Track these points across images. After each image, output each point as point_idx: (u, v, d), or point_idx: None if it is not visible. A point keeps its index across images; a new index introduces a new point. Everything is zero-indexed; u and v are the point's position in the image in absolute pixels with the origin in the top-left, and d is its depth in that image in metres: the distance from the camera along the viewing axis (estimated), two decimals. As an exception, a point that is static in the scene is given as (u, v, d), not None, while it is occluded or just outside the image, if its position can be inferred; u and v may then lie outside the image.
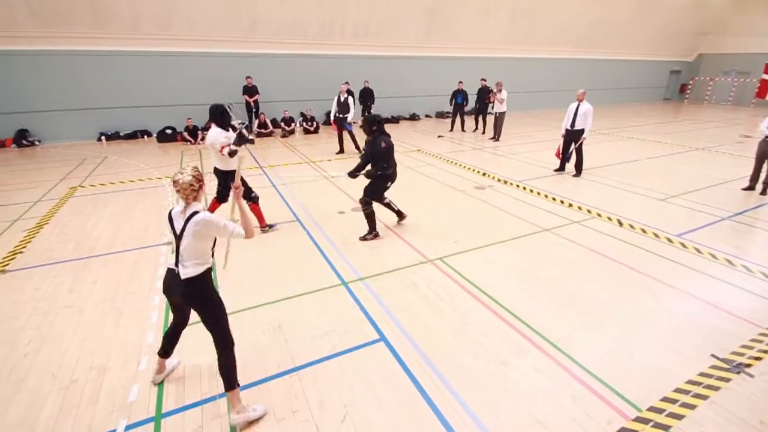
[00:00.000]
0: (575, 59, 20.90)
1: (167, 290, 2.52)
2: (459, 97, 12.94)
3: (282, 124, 12.85)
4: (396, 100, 16.33)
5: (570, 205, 6.35)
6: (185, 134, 11.66)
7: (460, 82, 13.06)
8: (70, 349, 3.16)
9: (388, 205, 5.29)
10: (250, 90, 12.76)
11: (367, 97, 13.59)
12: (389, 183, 5.05)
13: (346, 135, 9.91)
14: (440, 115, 17.16)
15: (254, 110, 12.91)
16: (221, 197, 5.28)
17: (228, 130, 4.88)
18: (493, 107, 11.92)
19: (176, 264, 2.41)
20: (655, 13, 20.79)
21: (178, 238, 2.40)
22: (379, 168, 4.83)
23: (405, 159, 9.50)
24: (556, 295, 3.87)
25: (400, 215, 5.46)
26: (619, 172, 8.39)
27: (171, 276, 2.45)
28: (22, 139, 11.55)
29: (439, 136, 12.60)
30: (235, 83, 12.86)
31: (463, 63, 17.20)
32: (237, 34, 12.99)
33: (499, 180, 7.71)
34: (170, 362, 2.92)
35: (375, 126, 4.85)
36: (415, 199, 6.64)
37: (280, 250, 4.82)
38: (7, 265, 4.52)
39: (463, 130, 13.54)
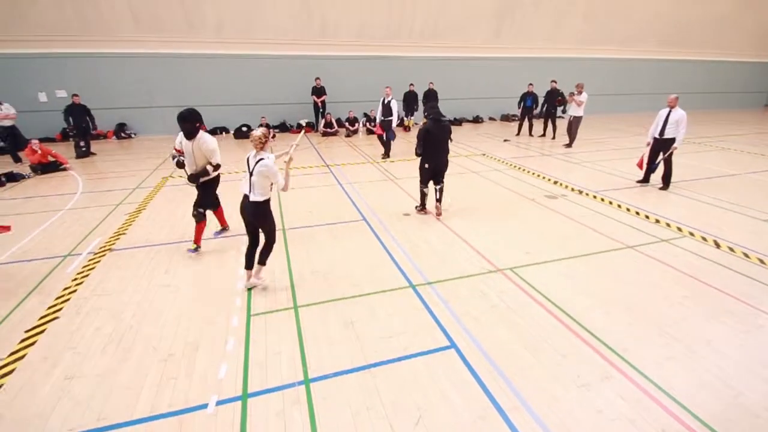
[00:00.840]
0: (660, 60, 19.16)
1: (242, 210, 3.85)
2: (528, 99, 12.43)
3: (346, 124, 13.22)
4: (459, 102, 16.11)
5: (657, 221, 5.83)
6: (258, 131, 12.42)
7: (530, 84, 12.54)
8: (167, 325, 3.51)
9: (423, 193, 6.08)
10: (318, 91, 13.28)
11: (430, 98, 13.53)
12: (426, 165, 5.82)
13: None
14: (505, 118, 16.63)
15: (321, 110, 13.42)
16: (212, 204, 5.07)
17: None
18: (565, 111, 11.30)
19: (249, 191, 3.72)
20: (757, 8, 18.42)
21: (251, 174, 3.70)
22: (418, 149, 5.78)
23: (468, 162, 9.34)
24: (642, 318, 3.58)
25: (425, 206, 6.17)
26: (714, 186, 7.55)
27: (245, 200, 3.80)
28: (121, 131, 13.05)
29: (505, 140, 12.21)
30: (305, 84, 13.47)
31: (533, 64, 16.52)
32: (308, 38, 13.60)
33: (572, 189, 7.29)
34: (253, 281, 4.03)
35: (428, 113, 5.83)
36: (480, 204, 6.50)
37: (348, 248, 4.97)
38: (113, 244, 5.13)
39: (530, 134, 12.99)
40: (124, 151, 11.17)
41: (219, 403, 2.69)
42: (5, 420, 2.58)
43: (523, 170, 8.71)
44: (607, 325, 3.47)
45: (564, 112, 11.70)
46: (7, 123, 9.40)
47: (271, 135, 12.39)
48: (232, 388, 2.81)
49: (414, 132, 13.76)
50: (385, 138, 9.68)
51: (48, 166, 8.81)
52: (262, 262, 3.99)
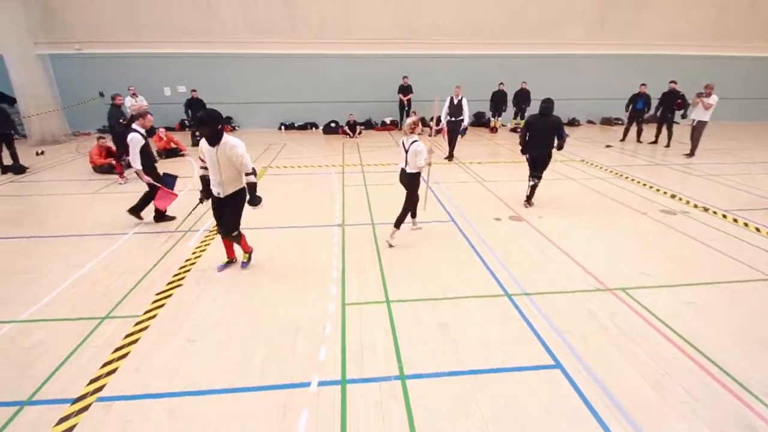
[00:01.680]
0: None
1: (401, 180, 4.93)
2: (640, 101, 11.10)
3: (431, 123, 13.12)
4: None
5: (811, 250, 4.83)
6: (346, 128, 12.88)
7: (643, 84, 11.19)
8: (271, 304, 3.77)
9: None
10: (405, 89, 13.37)
11: (522, 98, 12.86)
12: (526, 156, 6.24)
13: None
14: (606, 121, 15.16)
15: (406, 108, 13.50)
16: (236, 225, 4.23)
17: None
18: (685, 115, 9.93)
19: (405, 166, 4.78)
20: None
21: (406, 152, 4.69)
22: (521, 140, 6.23)
23: (564, 168, 8.67)
24: (798, 366, 2.96)
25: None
26: None
27: (402, 172, 4.89)
28: (228, 124, 14.46)
29: (607, 146, 11.11)
30: (392, 82, 13.65)
31: (645, 62, 14.78)
32: (397, 37, 13.73)
33: (695, 206, 6.36)
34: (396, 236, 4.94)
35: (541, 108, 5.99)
36: (581, 214, 5.98)
37: (436, 247, 4.89)
38: (224, 224, 5.67)
39: (638, 140, 11.60)
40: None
41: (320, 383, 2.80)
42: (141, 372, 2.96)
43: (632, 180, 7.82)
44: (751, 370, 2.93)
45: (683, 116, 10.28)
46: None
47: (358, 132, 12.85)
48: (332, 371, 2.91)
49: (501, 134, 13.24)
50: (451, 138, 9.31)
51: (170, 152, 10.09)
52: (398, 223, 4.94)
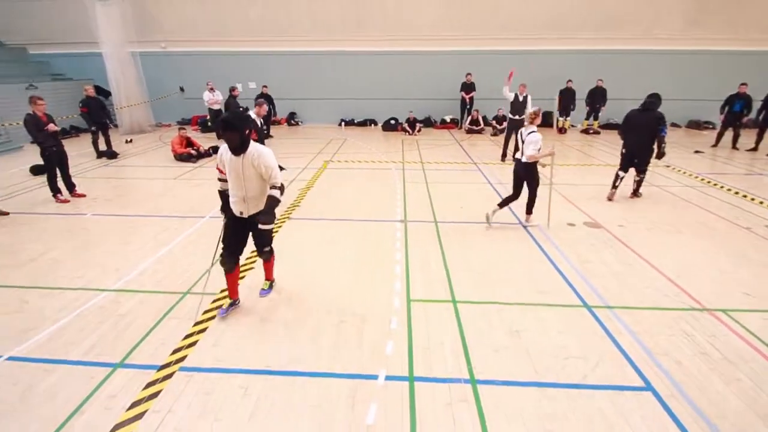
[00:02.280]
0: None
1: (516, 170, 5.11)
2: (738, 103, 9.79)
3: (493, 122, 12.68)
4: (631, 103, 13.82)
5: None
6: (405, 125, 12.83)
7: (743, 84, 9.89)
8: (337, 294, 3.80)
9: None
10: (467, 86, 13.03)
11: (597, 97, 11.98)
12: (623, 150, 6.32)
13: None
14: (694, 125, 13.70)
15: (468, 107, 13.15)
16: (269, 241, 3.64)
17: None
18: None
19: (521, 156, 4.98)
20: None
21: (523, 142, 4.92)
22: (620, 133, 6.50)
23: (648, 175, 7.90)
24: None
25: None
26: None
27: (517, 163, 5.10)
28: (291, 119, 15.03)
29: (697, 152, 10.00)
30: (454, 80, 13.34)
31: (743, 60, 13.11)
32: (460, 32, 13.38)
33: (810, 222, 5.51)
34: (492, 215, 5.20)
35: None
36: (669, 225, 5.41)
37: (505, 250, 4.66)
38: (291, 214, 5.86)
39: (734, 147, 10.24)
40: (293, 136, 12.85)
41: (388, 378, 2.76)
42: (218, 347, 3.11)
43: (728, 190, 6.96)
44: None
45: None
46: (216, 107, 11.71)
47: (417, 129, 12.75)
48: (399, 367, 2.86)
49: (570, 135, 12.45)
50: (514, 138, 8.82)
51: (241, 143, 10.67)
52: (529, 211, 5.26)
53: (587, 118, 12.54)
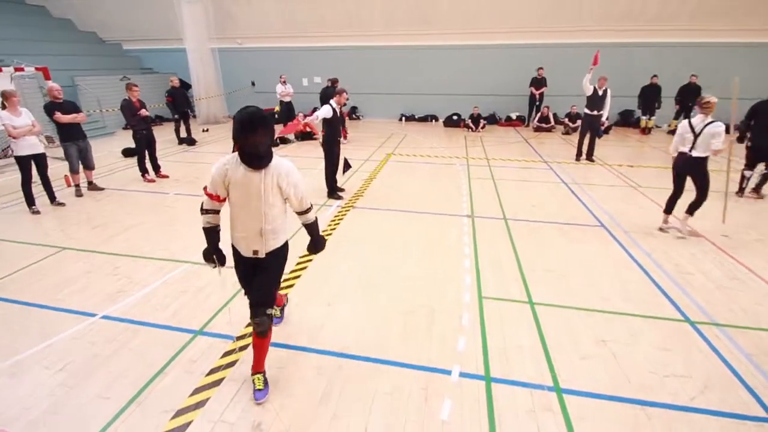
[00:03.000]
0: None
1: (678, 166, 4.55)
2: None
3: (565, 119, 11.87)
4: (727, 103, 12.27)
5: None
6: (468, 121, 12.44)
7: None
8: (403, 283, 3.70)
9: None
10: (538, 82, 12.32)
11: (690, 95, 10.72)
12: (748, 144, 6.01)
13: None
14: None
15: (537, 103, 12.44)
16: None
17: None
18: None
19: (692, 150, 4.35)
20: None
21: (696, 135, 4.30)
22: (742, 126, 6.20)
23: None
24: None
25: None
26: None
27: (683, 157, 4.45)
28: (353, 113, 15.21)
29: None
30: (522, 75, 12.67)
31: None
32: (531, 24, 12.63)
33: None
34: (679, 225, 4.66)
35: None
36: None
37: (585, 253, 4.27)
38: (354, 203, 5.87)
39: None
40: (354, 130, 12.96)
41: (462, 375, 2.60)
42: (289, 325, 3.14)
43: None
44: None
45: None
46: (287, 99, 12.16)
47: (481, 125, 12.31)
48: (474, 365, 2.68)
49: (654, 136, 11.29)
50: (589, 134, 8.09)
51: (305, 135, 11.00)
52: (690, 212, 4.57)
53: (676, 118, 11.26)
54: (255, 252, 2.37)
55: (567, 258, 4.16)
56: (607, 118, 8.11)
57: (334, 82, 10.80)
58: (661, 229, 4.79)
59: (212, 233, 2.41)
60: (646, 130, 11.47)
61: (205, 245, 2.46)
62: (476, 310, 3.28)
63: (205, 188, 2.30)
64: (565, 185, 6.65)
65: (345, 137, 11.34)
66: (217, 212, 2.36)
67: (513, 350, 2.83)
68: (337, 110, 5.83)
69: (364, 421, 2.27)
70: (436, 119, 14.29)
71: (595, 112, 7.90)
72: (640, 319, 3.18)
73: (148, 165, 7.12)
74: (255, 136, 2.06)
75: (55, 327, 3.12)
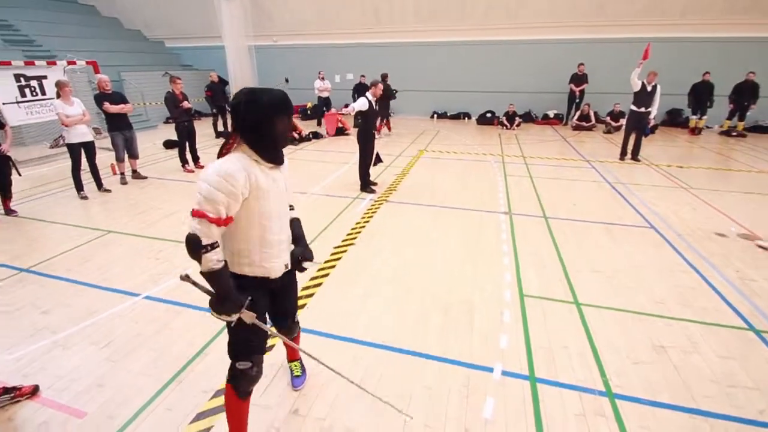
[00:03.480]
0: None
1: None
2: None
3: (607, 118, 11.32)
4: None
5: None
6: (503, 119, 12.11)
7: None
8: (440, 277, 3.59)
9: None
10: (579, 78, 11.83)
11: (746, 93, 10.00)
12: None
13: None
14: None
15: (577, 101, 11.96)
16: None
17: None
18: None
19: None
20: None
21: None
22: None
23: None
24: None
25: None
26: None
27: None
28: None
29: None
30: (561, 71, 12.20)
31: None
32: (574, 18, 12.12)
33: None
34: None
35: None
36: None
37: (634, 254, 4.01)
38: (387, 198, 5.80)
39: None
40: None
41: (505, 373, 2.48)
42: (326, 313, 3.11)
43: None
44: None
45: None
46: (325, 94, 12.27)
47: (516, 123, 11.96)
48: (517, 364, 2.55)
49: (705, 137, 10.59)
50: (636, 132, 7.63)
51: (338, 130, 11.05)
52: None
53: (730, 118, 10.51)
54: (286, 266, 1.88)
55: (614, 259, 3.92)
56: (654, 117, 7.66)
57: (384, 77, 10.89)
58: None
59: (226, 272, 1.65)
60: (695, 131, 10.76)
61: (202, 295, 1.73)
62: (518, 308, 3.14)
63: (200, 213, 1.51)
64: (609, 184, 6.32)
65: (389, 129, 11.61)
66: (215, 246, 1.58)
67: (559, 351, 2.67)
68: (373, 103, 5.77)
69: (402, 414, 2.20)
70: (469, 117, 14.01)
71: (643, 109, 7.45)
72: (698, 326, 2.93)
73: (189, 156, 7.34)
74: (289, 119, 1.71)
75: (101, 305, 3.23)
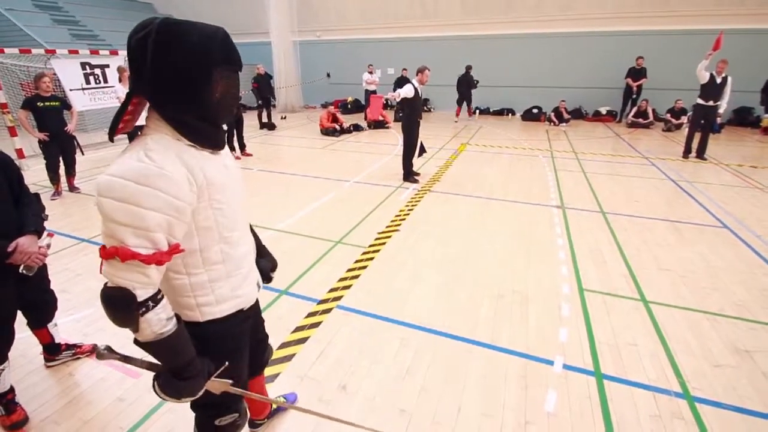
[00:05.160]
0: None
1: None
2: None
3: (668, 115, 10.52)
4: None
5: None
6: (552, 115, 11.58)
7: None
8: (490, 267, 3.42)
9: None
10: (637, 72, 11.08)
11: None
12: None
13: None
14: None
15: (635, 96, 11.21)
16: None
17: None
18: None
19: None
20: None
21: None
22: None
23: None
24: None
25: None
26: None
27: None
28: (425, 105, 14.96)
29: None
30: (616, 65, 11.49)
31: None
32: (631, 9, 11.35)
33: None
34: None
35: None
36: None
37: (706, 254, 3.64)
38: (431, 188, 5.66)
39: None
40: (425, 121, 12.58)
41: (566, 367, 2.29)
42: (371, 295, 3.03)
43: None
44: None
45: None
46: (372, 88, 12.28)
47: (566, 120, 11.41)
48: (580, 359, 2.35)
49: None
50: (704, 127, 7.02)
51: (378, 124, 11.01)
52: None
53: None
54: (258, 285, 1.42)
55: (685, 258, 3.58)
56: (723, 111, 7.02)
57: (468, 68, 11.66)
58: None
59: (183, 333, 1.10)
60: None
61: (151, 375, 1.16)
62: (578, 302, 2.92)
63: (125, 253, 0.94)
64: (673, 182, 5.83)
65: (469, 114, 12.33)
66: (150, 290, 1.02)
67: (626, 348, 2.44)
68: (419, 90, 5.64)
69: (456, 400, 2.08)
70: (513, 113, 13.53)
71: (711, 103, 6.84)
72: (790, 332, 2.60)
73: (236, 144, 7.54)
74: (237, 77, 1.13)
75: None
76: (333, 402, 2.07)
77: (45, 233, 2.04)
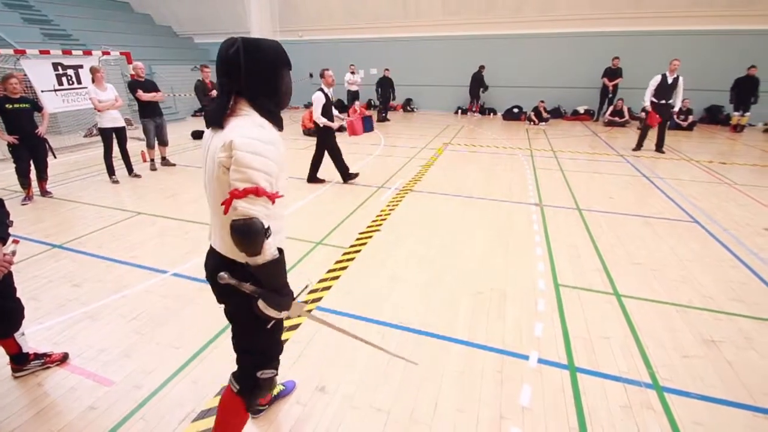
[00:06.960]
0: None
1: None
2: None
3: (642, 114, 10.81)
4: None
5: None
6: (531, 114, 11.78)
7: None
8: (468, 264, 3.46)
9: None
10: (613, 72, 11.38)
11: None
12: None
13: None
14: None
15: (610, 95, 11.51)
16: None
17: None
18: None
19: None
20: None
21: None
22: None
23: None
24: None
25: None
26: None
27: None
28: (407, 105, 15.06)
29: None
30: (593, 65, 11.78)
31: None
32: (612, 10, 11.64)
33: None
34: None
35: None
36: None
37: (676, 248, 3.77)
38: (412, 187, 5.69)
39: None
40: (407, 122, 12.80)
41: (541, 361, 2.34)
42: (351, 295, 3.03)
43: None
44: None
45: None
46: (354, 88, 12.25)
47: (545, 119, 11.60)
48: (555, 353, 2.41)
49: (748, 134, 9.99)
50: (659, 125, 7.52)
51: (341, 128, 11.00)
52: None
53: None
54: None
55: (656, 252, 3.69)
56: (677, 109, 7.61)
57: (481, 68, 12.41)
58: None
59: (284, 258, 1.41)
60: (737, 128, 10.14)
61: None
62: (553, 297, 2.98)
63: (255, 190, 1.25)
64: (647, 179, 6.02)
65: (475, 110, 13.02)
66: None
67: (599, 341, 2.51)
68: (329, 93, 5.55)
69: (433, 396, 2.10)
70: (495, 112, 13.72)
71: (664, 101, 7.35)
72: (752, 321, 2.71)
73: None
74: (288, 77, 1.46)
75: (130, 280, 3.26)
76: (310, 404, 2.06)
77: (10, 239, 1.98)
